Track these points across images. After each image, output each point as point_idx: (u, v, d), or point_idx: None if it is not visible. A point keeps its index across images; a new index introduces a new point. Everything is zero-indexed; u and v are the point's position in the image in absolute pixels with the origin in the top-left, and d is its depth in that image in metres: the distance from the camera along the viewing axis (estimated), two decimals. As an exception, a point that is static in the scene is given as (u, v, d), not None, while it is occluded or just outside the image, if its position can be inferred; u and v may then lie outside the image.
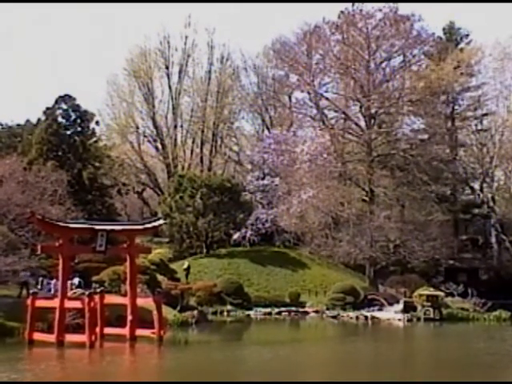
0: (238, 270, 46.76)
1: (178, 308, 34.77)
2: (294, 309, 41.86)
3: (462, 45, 56.70)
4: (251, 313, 40.20)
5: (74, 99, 54.46)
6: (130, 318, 26.11)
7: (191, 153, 64.19)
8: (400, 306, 40.30)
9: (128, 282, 27.13)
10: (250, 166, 61.73)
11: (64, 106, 54.04)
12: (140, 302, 26.97)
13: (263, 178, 56.29)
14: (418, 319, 38.98)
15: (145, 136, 63.90)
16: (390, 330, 37.24)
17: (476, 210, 55.10)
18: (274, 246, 54.52)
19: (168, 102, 63.05)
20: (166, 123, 63.01)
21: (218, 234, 51.49)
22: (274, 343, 28.36)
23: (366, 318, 39.69)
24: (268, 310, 40.99)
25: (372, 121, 50.74)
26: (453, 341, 32.73)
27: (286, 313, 41.28)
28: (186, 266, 43.47)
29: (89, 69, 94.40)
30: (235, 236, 53.25)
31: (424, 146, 51.24)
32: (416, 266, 47.77)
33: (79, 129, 54.69)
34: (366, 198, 49.39)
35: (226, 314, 38.97)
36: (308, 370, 21.59)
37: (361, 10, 49.26)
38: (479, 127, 55.52)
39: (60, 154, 52.39)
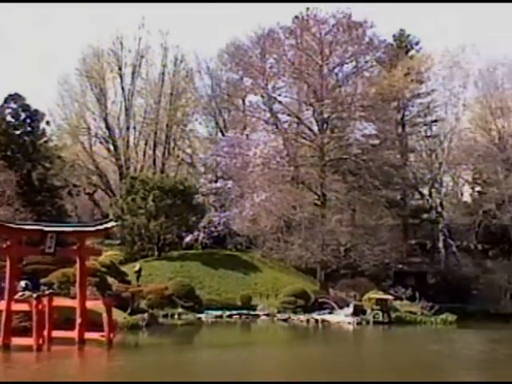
0: (190, 273, 46.58)
1: (129, 311, 34.45)
2: (245, 312, 41.87)
3: (412, 52, 57.89)
4: (202, 316, 40.07)
5: (24, 99, 53.53)
6: (78, 320, 25.73)
7: (144, 155, 63.73)
8: (350, 310, 40.67)
9: (77, 284, 26.75)
10: (203, 169, 61.67)
11: (13, 106, 53.10)
12: (89, 304, 26.62)
13: (216, 181, 56.27)
14: (368, 322, 39.45)
15: (97, 137, 63.16)
16: (339, 333, 37.58)
17: (425, 215, 56.21)
18: (227, 248, 54.53)
19: (121, 103, 62.47)
20: (118, 124, 62.39)
21: (170, 237, 51.22)
22: (224, 346, 28.35)
23: (317, 321, 39.94)
24: (219, 313, 40.93)
25: (324, 125, 51.22)
26: (404, 344, 33.24)
27: (237, 316, 41.27)
28: (137, 269, 43.11)
29: (39, 68, 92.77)
30: (187, 239, 53.06)
31: (375, 151, 51.99)
32: (366, 270, 48.32)
33: (29, 129, 53.79)
34: (318, 202, 49.79)
35: (177, 316, 38.75)
36: (259, 373, 21.65)
37: (315, 16, 49.74)
38: (429, 133, 56.74)
39: (9, 154, 51.41)
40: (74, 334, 25.65)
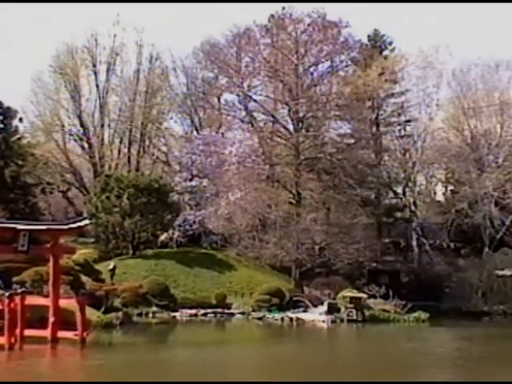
0: (165, 272, 46.43)
1: (103, 309, 34.27)
2: (220, 310, 41.85)
3: (386, 52, 58.33)
4: (177, 314, 39.97)
5: (-4, 96, 52.86)
6: (52, 319, 25.56)
7: (118, 152, 63.41)
8: (324, 308, 40.86)
9: (51, 282, 26.54)
10: (178, 167, 61.52)
11: (-15, 103, 52.41)
12: (63, 303, 26.44)
13: (191, 180, 56.19)
14: (342, 320, 39.67)
15: (71, 134, 62.67)
16: (314, 332, 37.77)
17: (398, 214, 56.69)
18: (202, 247, 54.45)
19: (95, 100, 62.09)
20: (92, 122, 61.98)
21: (144, 235, 50.97)
22: (199, 345, 28.34)
23: (291, 319, 40.08)
24: (194, 311, 40.88)
25: (300, 124, 51.39)
26: (378, 342, 33.53)
27: (212, 314, 41.25)
28: (111, 267, 42.86)
29: (11, 64, 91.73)
30: (162, 237, 52.92)
31: (350, 151, 52.34)
32: (340, 268, 48.63)
33: (1, 125, 53.12)
34: (293, 201, 49.96)
35: (151, 315, 38.61)
36: (235, 372, 21.70)
37: (290, 15, 49.90)
38: (402, 133, 57.20)
39: (-19, 151, 50.80)
40: (46, 332, 25.46)
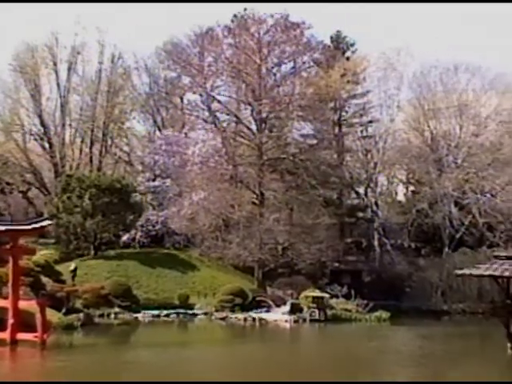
0: (127, 272, 46.08)
1: (63, 311, 33.93)
2: (182, 311, 41.72)
3: (348, 53, 58.69)
4: (139, 315, 39.72)
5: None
6: (11, 321, 25.23)
7: (80, 152, 62.65)
8: (287, 308, 41.06)
9: (10, 284, 26.20)
10: (140, 167, 61.10)
11: None
12: (23, 304, 26.12)
13: (154, 180, 55.86)
14: (304, 320, 39.91)
15: (31, 134, 61.67)
16: (276, 331, 37.93)
17: (360, 214, 57.15)
18: (164, 247, 54.15)
19: (56, 99, 61.19)
20: (53, 121, 61.11)
21: (106, 236, 50.50)
22: (162, 346, 28.21)
23: (254, 319, 40.16)
24: (156, 312, 40.67)
25: (263, 125, 51.54)
26: (340, 341, 33.84)
27: (175, 315, 41.10)
28: (72, 268, 42.40)
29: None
30: (124, 237, 52.49)
31: (313, 151, 52.69)
32: (303, 268, 48.88)
33: (-40, 125, 52.24)
34: (256, 201, 50.05)
35: (113, 316, 38.31)
36: (198, 372, 21.67)
37: (253, 15, 49.99)
38: (364, 134, 57.65)
39: None
40: (5, 334, 25.14)
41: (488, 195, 52.32)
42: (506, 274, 26.95)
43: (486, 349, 31.12)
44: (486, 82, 54.15)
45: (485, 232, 49.15)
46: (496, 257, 28.48)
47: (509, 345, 27.59)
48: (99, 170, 59.78)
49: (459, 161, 54.17)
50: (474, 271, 29.68)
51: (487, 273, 28.39)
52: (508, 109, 54.21)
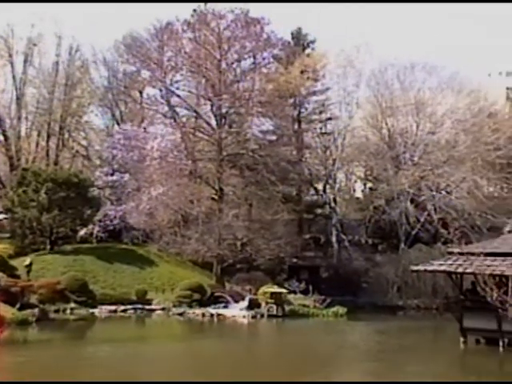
0: (84, 267, 45.55)
1: (18, 306, 33.44)
2: (140, 306, 41.47)
3: (308, 50, 58.88)
4: (96, 311, 39.32)
5: None
6: (-37, 317, 24.77)
7: (36, 146, 61.62)
8: (245, 303, 41.20)
9: (-37, 279, 25.71)
10: (98, 162, 60.40)
11: None
12: (-25, 300, 25.66)
13: (112, 174, 55.24)
14: (262, 316, 40.10)
15: (-15, 127, 60.48)
16: (234, 327, 38.03)
17: (319, 210, 57.58)
18: (122, 242, 53.67)
19: (11, 92, 60.06)
20: (9, 114, 59.92)
21: (63, 230, 49.80)
22: (118, 341, 28.05)
23: (212, 315, 40.14)
24: (113, 307, 40.33)
25: (223, 120, 51.43)
26: (298, 336, 34.12)
27: (132, 310, 40.82)
28: (27, 263, 41.77)
29: None
30: (82, 232, 51.86)
31: (272, 147, 52.80)
32: (261, 264, 49.02)
33: None
34: (216, 197, 49.97)
35: (69, 311, 37.76)
36: (152, 367, 21.59)
37: (213, 10, 49.82)
38: (323, 130, 58.06)
39: None
40: (-42, 330, 24.67)
41: (443, 192, 53.24)
42: (460, 269, 27.53)
43: (439, 343, 31.75)
44: (441, 80, 55.04)
45: (439, 228, 49.95)
46: (450, 253, 29.04)
47: (461, 339, 28.21)
48: (56, 163, 58.88)
49: (416, 158, 54.95)
50: (429, 267, 30.28)
51: (441, 269, 28.99)
52: (463, 107, 55.15)
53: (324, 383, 19.96)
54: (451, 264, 28.11)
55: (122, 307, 40.74)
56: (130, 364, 21.99)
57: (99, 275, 45.25)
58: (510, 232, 27.87)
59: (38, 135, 61.83)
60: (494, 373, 22.56)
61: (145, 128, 55.45)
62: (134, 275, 46.67)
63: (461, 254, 26.83)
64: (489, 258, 26.12)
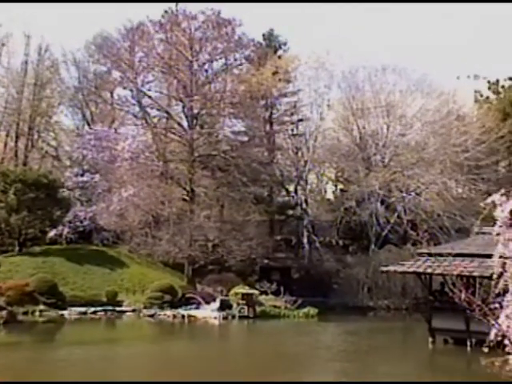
0: (53, 269, 45.08)
1: (-15, 309, 33.01)
2: (110, 308, 41.17)
3: (280, 52, 59.08)
4: (65, 313, 38.96)
5: None
6: None
7: (5, 146, 60.83)
8: (216, 305, 41.12)
9: None
10: (68, 162, 59.90)
11: None
12: None
13: (82, 175, 54.80)
14: (233, 317, 40.07)
15: (-48, 127, 59.64)
16: (205, 328, 37.99)
17: (290, 212, 57.69)
18: (93, 244, 53.28)
19: (-20, 91, 59.33)
20: (-24, 114, 59.26)
21: (32, 231, 49.28)
22: (88, 343, 27.85)
23: (183, 316, 40.02)
24: (83, 309, 39.99)
25: (194, 121, 51.33)
26: (269, 337, 34.24)
27: (102, 312, 40.49)
28: (-5, 265, 41.26)
29: None
30: (51, 233, 51.30)
31: (244, 148, 52.82)
32: (233, 265, 49.01)
33: None
34: (187, 198, 49.86)
35: (38, 313, 37.41)
36: (122, 369, 21.50)
37: (184, 11, 49.75)
38: (295, 132, 58.22)
39: None
40: None
41: (413, 194, 53.78)
42: (429, 270, 27.86)
43: (409, 343, 32.11)
44: (411, 83, 55.54)
45: (409, 230, 50.42)
46: (419, 254, 29.40)
47: (430, 339, 28.54)
48: (25, 164, 58.20)
49: (386, 160, 55.41)
50: (399, 268, 30.59)
51: (411, 269, 29.30)
52: (432, 110, 55.80)
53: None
54: (420, 265, 28.43)
55: (92, 309, 40.38)
56: (105, 367, 21.84)
57: (69, 277, 44.81)
58: (477, 233, 28.20)
59: (7, 135, 61.08)
60: (461, 372, 22.86)
61: (115, 129, 55.13)
62: (105, 277, 46.32)
63: (430, 255, 27.10)
64: (457, 258, 26.43)
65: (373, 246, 52.81)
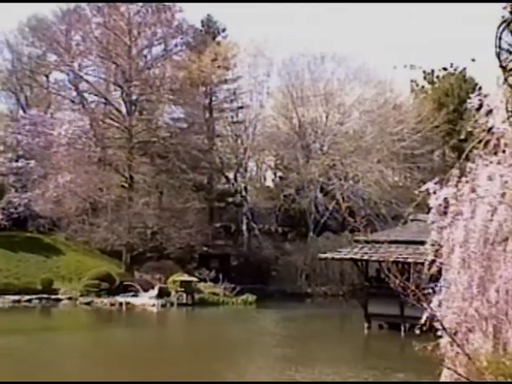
0: (-15, 257, 44.00)
1: None
2: (45, 296, 40.46)
3: (219, 38, 58.79)
4: (-2, 301, 38.10)
5: None
6: None
7: None
8: (155, 292, 40.94)
9: None
10: (2, 147, 58.23)
11: None
12: None
13: (17, 161, 53.41)
14: (172, 304, 39.96)
15: None
16: (143, 316, 37.79)
17: (230, 199, 57.66)
18: (28, 231, 52.11)
19: None
20: None
21: (-36, 219, 47.93)
22: (25, 331, 27.26)
23: (121, 304, 39.68)
24: (17, 297, 39.15)
25: (133, 107, 50.71)
26: (206, 324, 34.24)
27: (37, 300, 39.79)
28: None
29: None
30: (-16, 221, 50.02)
31: (183, 135, 52.49)
32: (172, 253, 48.77)
33: None
34: (126, 185, 49.25)
35: (-31, 302, 36.52)
36: (60, 358, 21.18)
37: (123, -5, 48.97)
38: (235, 119, 58.14)
39: None
40: None
41: (351, 181, 54.55)
42: (365, 257, 28.37)
43: (345, 329, 32.66)
44: (350, 71, 56.14)
45: (347, 217, 51.07)
46: (356, 241, 29.87)
47: (366, 324, 29.10)
48: (-44, 149, 56.44)
49: (325, 148, 55.94)
50: (336, 255, 31.05)
51: (348, 256, 29.79)
52: (370, 98, 56.58)
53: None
54: (357, 252, 28.91)
55: (27, 297, 39.64)
56: (49, 355, 21.45)
57: (1, 264, 43.76)
58: (412, 220, 28.81)
59: None
60: (395, 355, 23.37)
61: (52, 114, 53.92)
62: (40, 264, 45.47)
63: (366, 242, 27.58)
64: (393, 245, 26.98)
65: (311, 233, 53.36)
